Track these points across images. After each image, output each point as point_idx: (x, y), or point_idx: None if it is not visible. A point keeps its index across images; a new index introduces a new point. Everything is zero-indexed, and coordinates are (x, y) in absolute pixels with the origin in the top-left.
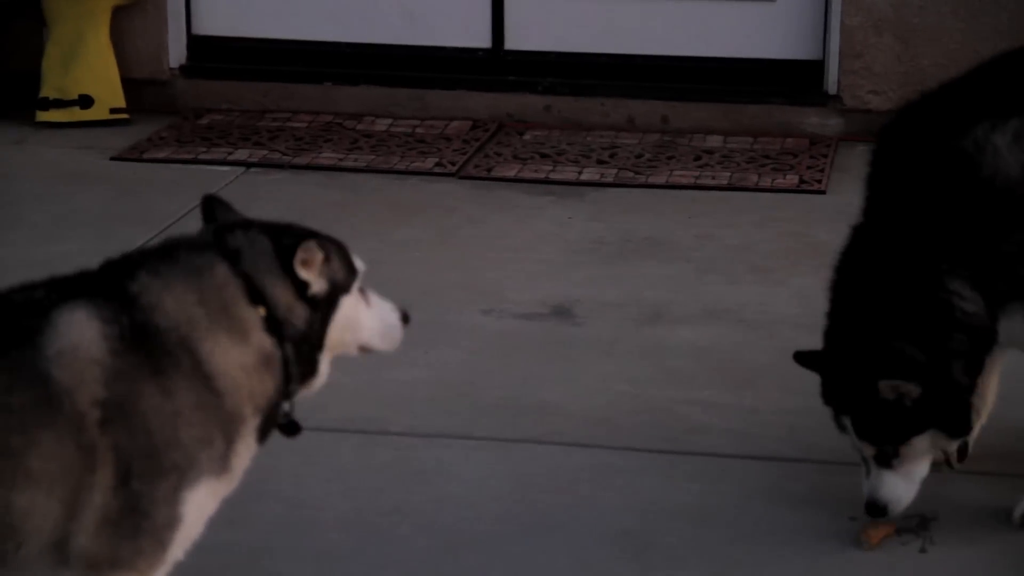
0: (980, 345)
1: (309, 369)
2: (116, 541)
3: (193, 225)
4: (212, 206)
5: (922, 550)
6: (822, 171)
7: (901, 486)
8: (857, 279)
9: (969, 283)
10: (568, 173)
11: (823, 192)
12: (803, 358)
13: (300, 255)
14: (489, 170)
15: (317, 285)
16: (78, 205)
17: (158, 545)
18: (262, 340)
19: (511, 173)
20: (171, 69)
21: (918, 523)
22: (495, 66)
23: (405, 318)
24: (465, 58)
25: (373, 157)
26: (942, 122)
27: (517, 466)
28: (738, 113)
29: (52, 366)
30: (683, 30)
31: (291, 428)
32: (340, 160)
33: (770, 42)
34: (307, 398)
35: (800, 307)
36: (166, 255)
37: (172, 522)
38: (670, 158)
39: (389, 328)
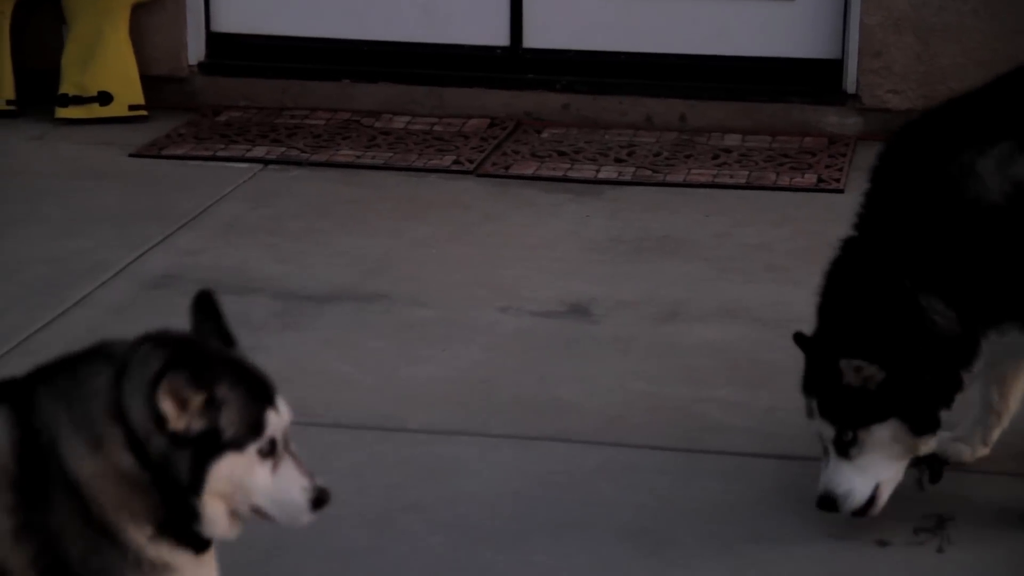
0: (951, 358)
1: (185, 508)
2: None
3: (209, 222)
4: (203, 303)
5: (939, 550)
6: (840, 170)
7: (856, 479)
8: (841, 286)
9: (943, 300)
10: (586, 171)
11: (841, 191)
12: (800, 339)
13: (165, 386)
14: (507, 168)
15: (179, 423)
16: (96, 201)
17: None
18: (120, 456)
19: (529, 171)
20: (190, 66)
21: (936, 523)
22: (513, 64)
23: (318, 502)
24: (483, 56)
25: (391, 155)
26: (935, 144)
27: (534, 463)
28: (757, 112)
29: None
30: (701, 29)
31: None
32: (358, 157)
33: (789, 41)
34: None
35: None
36: (74, 361)
37: None
38: (688, 156)
39: (286, 505)
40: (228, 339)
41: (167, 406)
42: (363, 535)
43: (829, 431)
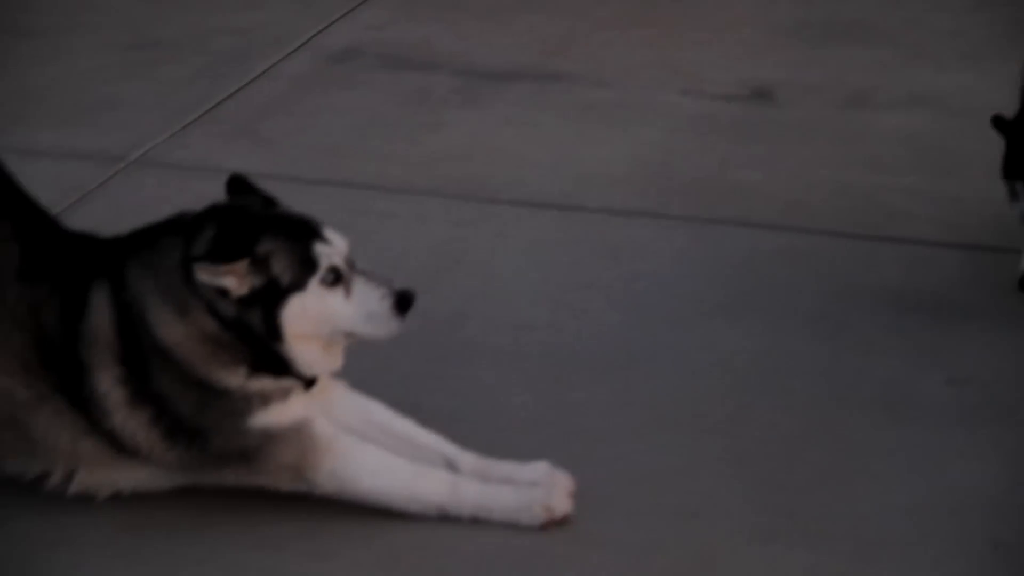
0: None
1: (271, 357)
2: None
3: None
4: (237, 186)
5: None
6: None
7: None
8: None
9: None
10: None
11: None
12: (998, 121)
13: (200, 273)
14: None
15: (238, 290)
16: None
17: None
18: (203, 321)
19: None
20: None
21: None
22: None
23: (402, 303)
24: None
25: None
26: None
27: (711, 247)
28: None
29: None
30: None
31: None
32: None
33: None
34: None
35: (1011, 95)
36: (156, 233)
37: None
38: None
39: (372, 317)
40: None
41: (221, 281)
42: (541, 311)
43: None
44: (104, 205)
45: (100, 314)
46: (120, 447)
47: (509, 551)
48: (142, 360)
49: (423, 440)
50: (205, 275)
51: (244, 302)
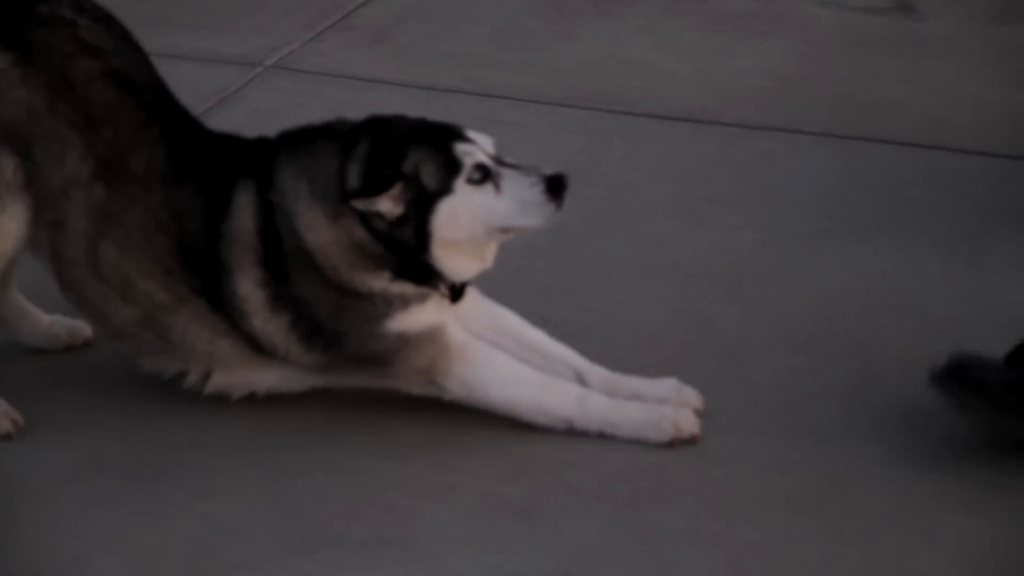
0: None
1: (419, 265)
2: None
3: None
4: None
5: None
6: None
7: None
8: None
9: None
10: None
11: None
12: None
13: (358, 204)
14: None
15: (392, 211)
16: None
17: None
18: (354, 229)
19: None
20: None
21: None
22: None
23: (555, 186)
24: None
25: None
26: None
27: (849, 163)
28: None
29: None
30: None
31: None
32: None
33: None
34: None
35: None
36: (313, 135)
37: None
38: None
39: (525, 207)
40: None
41: (377, 208)
42: (672, 224)
43: None
44: (241, 109)
45: (243, 214)
46: (257, 348)
47: (635, 468)
48: (283, 263)
49: (553, 351)
50: (361, 206)
51: (395, 221)
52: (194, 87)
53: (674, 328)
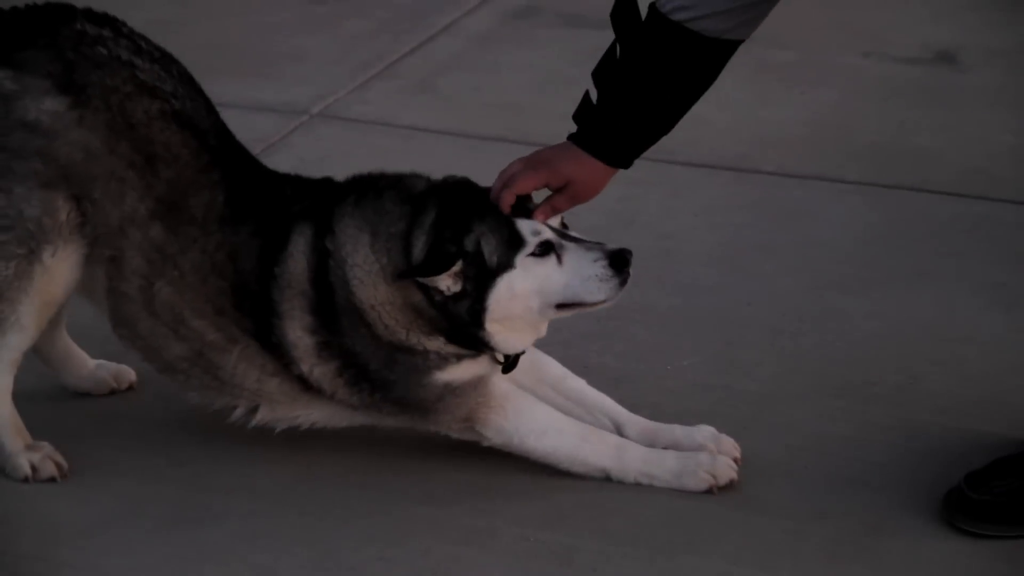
0: None
1: (471, 340)
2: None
3: None
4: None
5: None
6: None
7: None
8: None
9: None
10: None
11: None
12: None
13: (419, 279)
14: None
15: (453, 287)
16: None
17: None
18: (410, 292)
19: None
20: None
21: None
22: None
23: (618, 261)
24: None
25: None
26: None
27: (888, 212)
28: None
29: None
30: None
31: (505, 369)
32: None
33: None
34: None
35: None
36: (382, 190)
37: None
38: None
39: (588, 281)
40: None
41: (436, 285)
42: (711, 272)
43: None
44: (286, 157)
45: (297, 259)
46: (305, 387)
47: (672, 514)
48: (334, 313)
49: (593, 401)
50: (422, 281)
51: (452, 296)
52: (240, 135)
53: (712, 374)
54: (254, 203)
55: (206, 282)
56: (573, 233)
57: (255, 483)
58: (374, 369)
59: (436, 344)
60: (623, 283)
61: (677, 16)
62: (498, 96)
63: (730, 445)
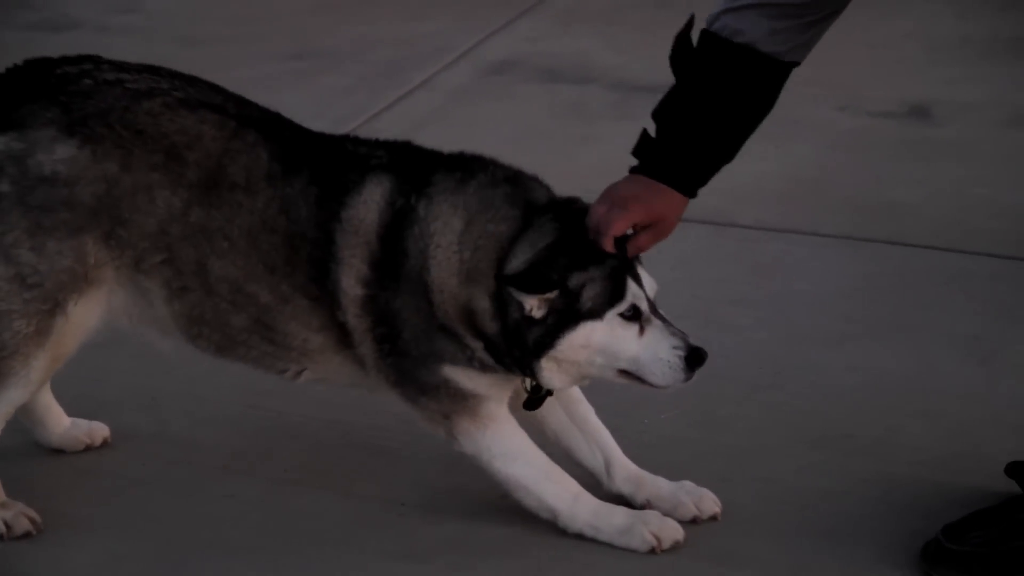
0: None
1: (516, 361)
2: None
3: (549, 10)
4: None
5: None
6: None
7: None
8: None
9: None
10: None
11: None
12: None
13: (510, 288)
14: None
15: (537, 312)
16: None
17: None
18: (481, 298)
19: None
20: None
21: None
22: None
23: (694, 359)
24: None
25: None
26: None
27: (865, 265)
28: None
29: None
30: None
31: (529, 403)
32: None
33: None
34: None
35: None
36: (497, 180)
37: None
38: None
39: (657, 364)
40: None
41: (525, 302)
42: (688, 325)
43: None
44: None
45: (370, 208)
46: (341, 345)
47: (651, 568)
48: (396, 275)
49: (593, 429)
50: (513, 291)
51: (529, 320)
52: None
53: (690, 428)
54: (305, 156)
55: (256, 242)
56: (663, 312)
57: (232, 538)
58: (406, 337)
59: (475, 344)
60: (687, 379)
61: (738, 39)
62: (475, 150)
63: (711, 501)
